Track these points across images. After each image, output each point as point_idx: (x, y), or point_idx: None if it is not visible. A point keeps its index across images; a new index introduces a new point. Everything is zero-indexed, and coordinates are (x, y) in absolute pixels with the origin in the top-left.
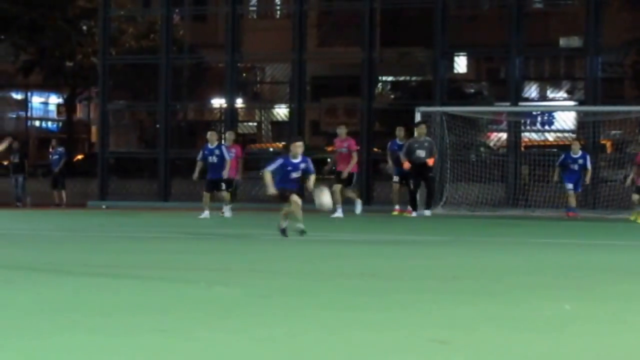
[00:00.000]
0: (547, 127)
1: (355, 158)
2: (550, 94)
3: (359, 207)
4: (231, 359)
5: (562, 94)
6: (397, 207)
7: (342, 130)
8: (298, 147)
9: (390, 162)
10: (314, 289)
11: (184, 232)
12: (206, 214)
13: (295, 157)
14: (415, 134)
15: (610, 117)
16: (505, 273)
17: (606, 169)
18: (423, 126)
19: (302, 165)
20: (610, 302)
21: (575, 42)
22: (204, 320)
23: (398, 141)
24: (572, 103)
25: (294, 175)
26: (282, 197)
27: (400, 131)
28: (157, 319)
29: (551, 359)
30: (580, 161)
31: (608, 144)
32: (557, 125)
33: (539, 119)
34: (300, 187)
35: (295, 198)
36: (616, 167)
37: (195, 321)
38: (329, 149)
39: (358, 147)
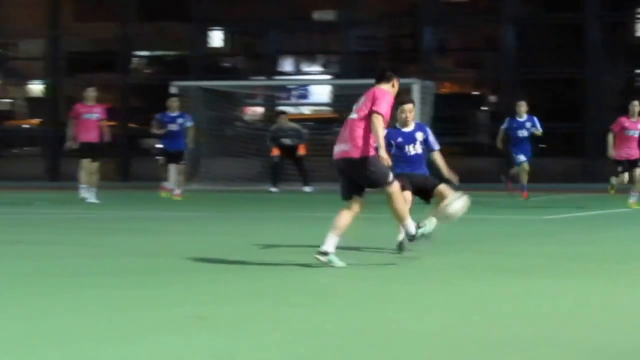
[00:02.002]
0: (302, 101)
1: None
2: (305, 67)
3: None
4: None
5: (318, 67)
6: (178, 190)
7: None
8: None
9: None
10: (70, 268)
11: None
12: None
13: None
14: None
15: (365, 90)
16: (263, 248)
17: None
18: (174, 99)
19: None
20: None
21: (329, 15)
22: None
23: (170, 113)
24: (327, 77)
25: None
26: None
27: (174, 102)
28: None
29: (306, 328)
30: (528, 125)
31: None
32: (312, 98)
33: (295, 92)
34: None
35: None
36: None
37: None
38: None
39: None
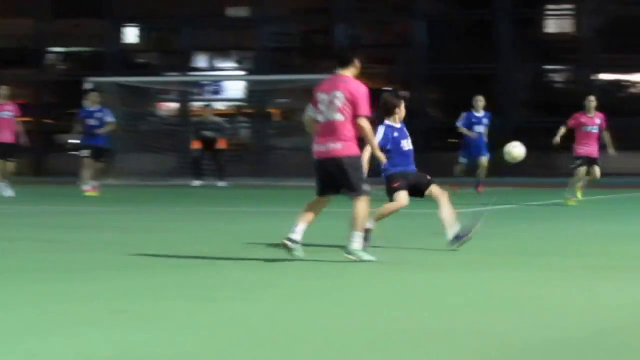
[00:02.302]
0: (216, 96)
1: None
2: (219, 63)
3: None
4: None
5: (232, 63)
6: (89, 186)
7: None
8: None
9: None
10: None
11: None
12: None
13: None
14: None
15: (278, 85)
16: (184, 243)
17: (274, 136)
18: (94, 94)
19: None
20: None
21: (243, 12)
22: None
23: (88, 108)
24: (241, 72)
25: None
26: None
27: (94, 97)
28: None
29: (211, 324)
30: (485, 121)
31: (276, 112)
32: (226, 94)
33: (208, 88)
34: None
35: None
36: (283, 135)
37: None
38: None
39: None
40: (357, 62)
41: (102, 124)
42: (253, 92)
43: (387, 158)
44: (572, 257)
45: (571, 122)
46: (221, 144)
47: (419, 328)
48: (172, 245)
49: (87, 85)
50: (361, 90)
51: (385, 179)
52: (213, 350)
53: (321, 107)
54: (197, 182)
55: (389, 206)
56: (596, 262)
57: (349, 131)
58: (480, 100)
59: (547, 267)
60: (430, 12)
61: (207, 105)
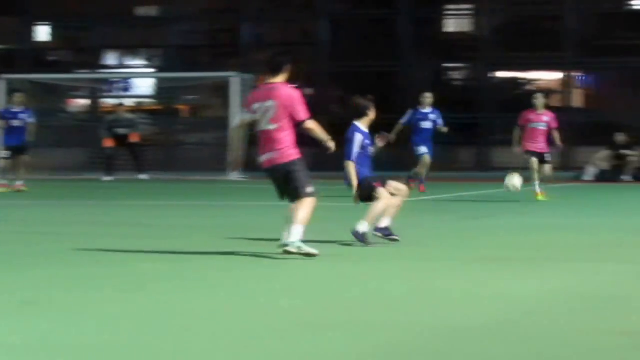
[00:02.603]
0: (126, 94)
1: None
2: (129, 61)
3: None
4: None
5: (141, 61)
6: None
7: None
8: None
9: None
10: None
11: None
12: None
13: None
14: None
15: (186, 82)
16: (98, 235)
17: (182, 132)
18: (19, 95)
19: None
20: (192, 261)
21: (152, 11)
22: None
23: (12, 109)
24: (150, 70)
25: None
26: None
27: (19, 98)
28: None
29: (125, 316)
30: (432, 117)
31: (184, 109)
32: (136, 91)
33: (119, 85)
34: None
35: None
36: (191, 131)
37: None
38: None
39: None
40: (288, 67)
41: (25, 125)
42: (162, 89)
43: (358, 163)
44: (476, 249)
45: (521, 121)
46: (134, 138)
47: (317, 319)
48: (88, 236)
49: (1, 84)
50: (295, 96)
51: (361, 184)
52: (121, 340)
53: (257, 116)
54: (107, 178)
55: (379, 207)
56: (502, 253)
57: (285, 139)
58: (427, 97)
59: (451, 258)
60: (334, 12)
61: (121, 104)
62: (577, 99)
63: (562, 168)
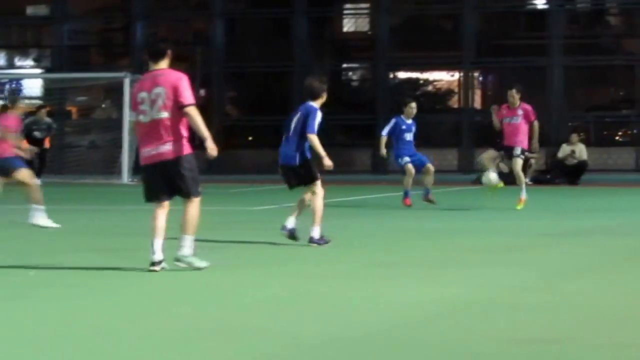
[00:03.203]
0: (15, 95)
1: None
2: (18, 61)
3: None
4: None
5: (30, 61)
6: None
7: None
8: None
9: None
10: None
11: None
12: None
13: None
14: None
15: (76, 83)
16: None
17: (72, 134)
18: None
19: None
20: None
21: (42, 10)
22: None
23: None
24: (39, 70)
25: None
26: None
27: None
28: None
29: (10, 322)
30: (414, 129)
31: (74, 110)
32: (25, 92)
33: (7, 86)
34: None
35: None
36: (82, 133)
37: None
38: None
39: None
40: (169, 53)
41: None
42: (52, 90)
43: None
44: (364, 255)
45: (499, 115)
46: (47, 143)
47: (206, 326)
48: None
49: None
50: (182, 80)
51: (305, 164)
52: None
53: (143, 107)
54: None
55: (318, 204)
56: (388, 259)
57: (178, 129)
58: (413, 108)
59: (336, 262)
60: (229, 11)
61: (43, 107)
62: (477, 99)
63: (462, 170)
